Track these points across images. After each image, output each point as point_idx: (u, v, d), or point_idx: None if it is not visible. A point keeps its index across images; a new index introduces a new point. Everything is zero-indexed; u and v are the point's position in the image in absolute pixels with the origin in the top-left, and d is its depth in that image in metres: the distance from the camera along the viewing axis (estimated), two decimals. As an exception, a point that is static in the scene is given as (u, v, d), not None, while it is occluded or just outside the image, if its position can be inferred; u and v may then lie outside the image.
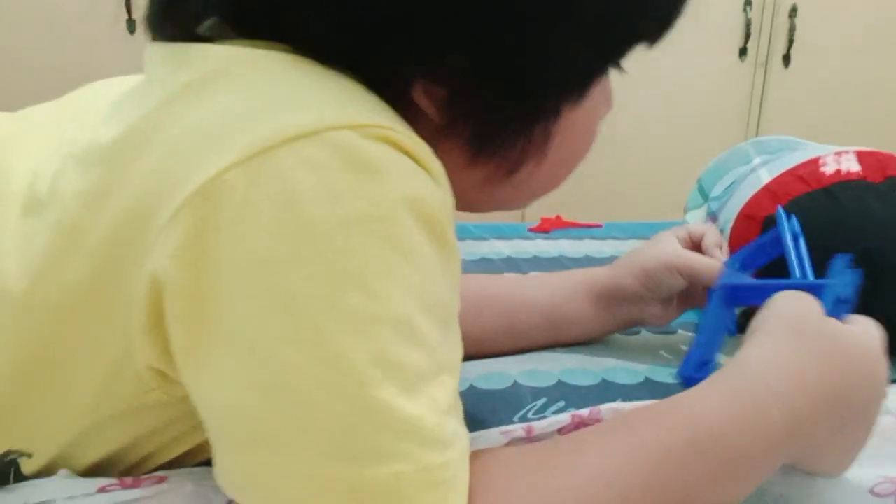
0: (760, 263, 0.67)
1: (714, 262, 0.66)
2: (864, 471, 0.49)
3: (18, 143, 0.47)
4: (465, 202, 0.45)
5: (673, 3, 0.44)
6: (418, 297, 0.35)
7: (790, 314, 0.47)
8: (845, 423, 0.45)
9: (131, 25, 1.81)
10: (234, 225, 0.34)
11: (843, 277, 0.53)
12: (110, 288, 0.38)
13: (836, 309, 0.49)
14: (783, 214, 0.65)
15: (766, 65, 2.10)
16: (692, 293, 0.68)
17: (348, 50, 0.40)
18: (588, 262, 1.02)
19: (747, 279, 0.63)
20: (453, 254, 0.38)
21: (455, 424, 0.36)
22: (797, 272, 0.58)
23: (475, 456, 0.37)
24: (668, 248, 0.68)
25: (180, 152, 0.37)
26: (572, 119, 0.45)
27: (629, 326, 0.71)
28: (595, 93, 0.46)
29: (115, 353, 0.39)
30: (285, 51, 0.40)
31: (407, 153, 0.37)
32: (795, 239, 0.63)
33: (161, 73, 0.42)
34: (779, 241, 0.64)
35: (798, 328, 0.46)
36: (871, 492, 0.48)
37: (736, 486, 0.43)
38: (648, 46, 0.45)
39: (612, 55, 0.45)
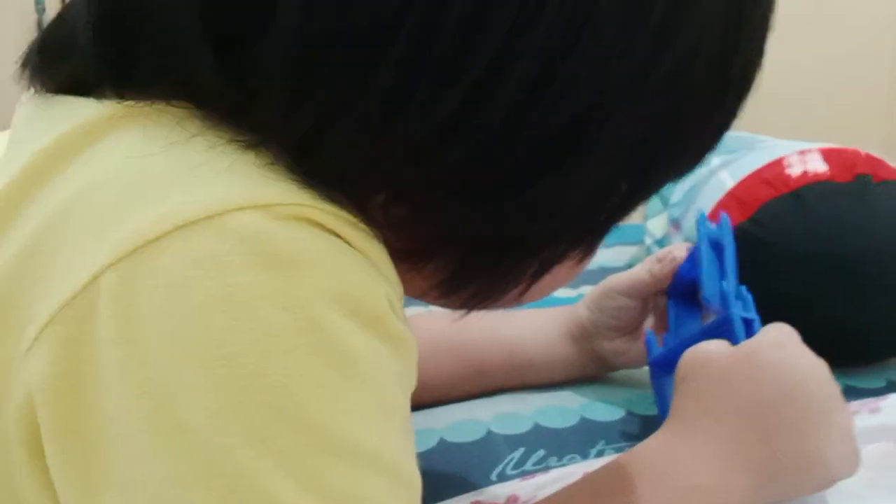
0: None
1: (642, 267, 0.62)
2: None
3: None
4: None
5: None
6: (367, 411, 0.28)
7: (693, 396, 0.48)
8: (799, 441, 0.45)
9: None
10: (112, 347, 0.26)
11: (745, 301, 0.54)
12: None
13: (749, 329, 0.50)
14: (726, 221, 0.61)
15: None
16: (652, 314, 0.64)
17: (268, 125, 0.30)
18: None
19: (664, 347, 0.60)
20: (404, 344, 0.31)
21: None
22: (705, 291, 0.56)
23: None
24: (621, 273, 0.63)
25: (44, 247, 0.29)
26: (569, 258, 0.37)
27: (602, 368, 0.65)
28: None
29: None
30: (183, 107, 0.31)
31: (333, 233, 0.29)
32: (717, 248, 0.59)
33: (26, 134, 0.34)
34: (713, 249, 0.59)
35: (710, 409, 0.46)
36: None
37: None
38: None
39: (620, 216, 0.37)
